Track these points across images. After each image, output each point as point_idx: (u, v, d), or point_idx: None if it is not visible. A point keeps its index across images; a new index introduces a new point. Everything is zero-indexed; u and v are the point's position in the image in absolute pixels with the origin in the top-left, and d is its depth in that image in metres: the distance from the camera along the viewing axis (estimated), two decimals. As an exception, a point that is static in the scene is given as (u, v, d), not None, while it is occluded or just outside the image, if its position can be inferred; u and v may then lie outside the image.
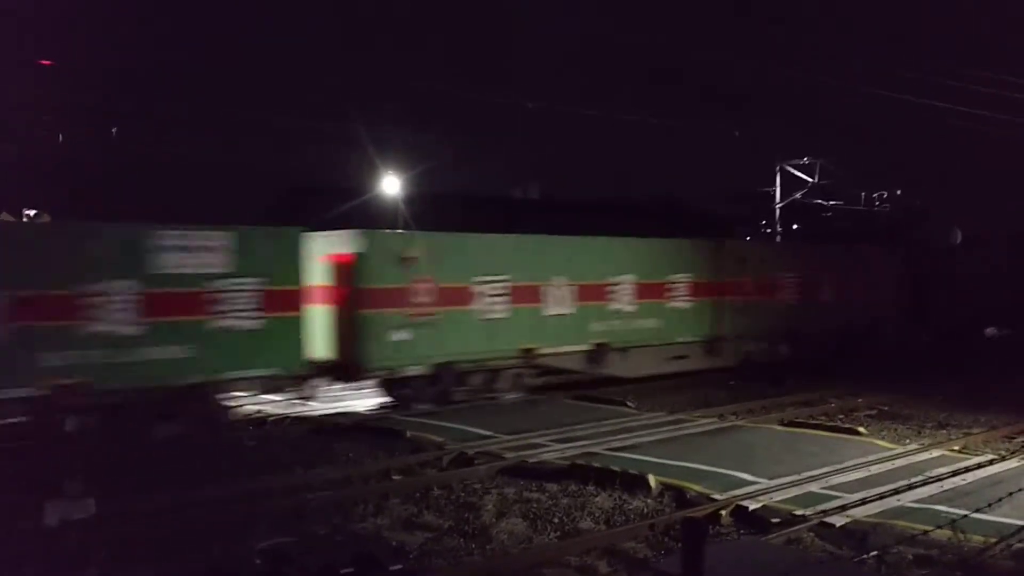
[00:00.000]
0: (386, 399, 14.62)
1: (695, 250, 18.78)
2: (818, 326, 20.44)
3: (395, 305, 13.97)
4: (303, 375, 13.25)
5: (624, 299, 17.10)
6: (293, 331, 13.00)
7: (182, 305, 11.99)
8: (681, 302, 18.10)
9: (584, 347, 16.38)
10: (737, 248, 20.28)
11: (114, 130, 24.88)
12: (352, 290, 13.87)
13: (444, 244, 14.94)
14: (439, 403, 14.34)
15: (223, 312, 12.32)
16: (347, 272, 13.96)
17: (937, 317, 23.80)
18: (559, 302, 16.10)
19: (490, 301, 15.18)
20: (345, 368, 13.95)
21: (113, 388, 10.98)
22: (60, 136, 24.35)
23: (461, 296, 14.80)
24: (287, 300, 12.95)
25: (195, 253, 12.15)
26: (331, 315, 14.09)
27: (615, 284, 16.97)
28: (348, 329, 13.90)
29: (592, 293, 16.60)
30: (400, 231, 16.00)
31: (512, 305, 15.39)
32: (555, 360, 16.01)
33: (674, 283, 18.04)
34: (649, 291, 17.52)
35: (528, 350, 15.50)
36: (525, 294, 15.57)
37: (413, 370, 14.19)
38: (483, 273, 15.08)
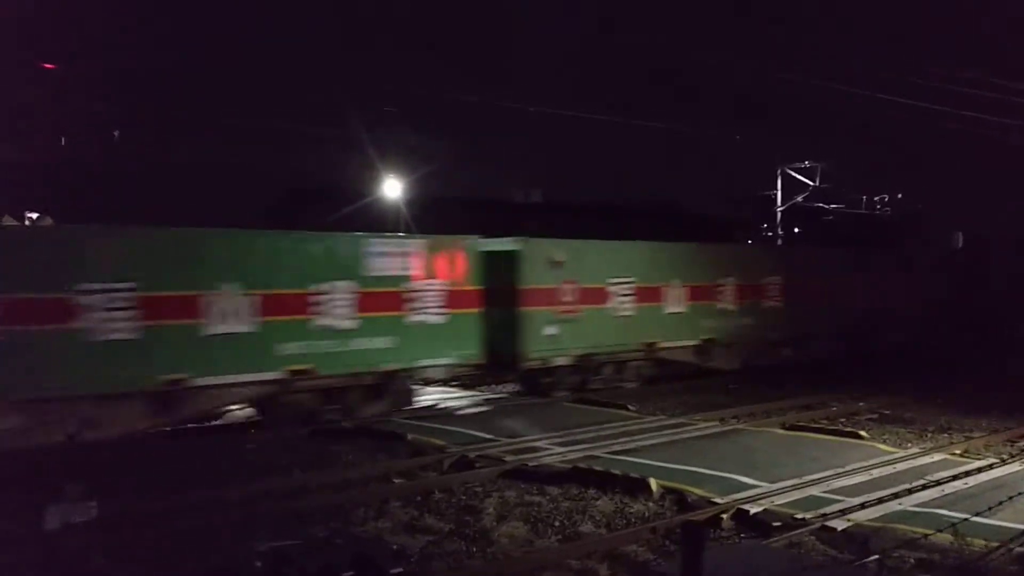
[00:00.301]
0: (516, 387, 17.13)
1: (780, 255, 22.33)
2: (879, 322, 22.63)
3: (547, 303, 16.16)
4: (479, 364, 15.38)
5: (728, 299, 19.14)
6: (472, 326, 15.13)
7: (386, 303, 14.00)
8: (772, 302, 20.13)
9: (695, 342, 18.36)
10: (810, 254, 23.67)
11: (116, 133, 24.93)
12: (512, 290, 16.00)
13: (584, 249, 17.04)
14: (576, 391, 16.35)
15: (417, 309, 14.35)
16: None
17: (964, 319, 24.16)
18: (675, 302, 18.09)
19: (620, 300, 17.24)
20: (504, 359, 16.02)
21: (332, 373, 13.27)
22: (63, 139, 24.41)
23: (598, 296, 16.94)
24: (467, 299, 15.11)
25: (396, 258, 14.15)
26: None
27: (721, 286, 19.03)
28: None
29: (702, 294, 18.69)
30: (550, 239, 16.72)
31: (637, 304, 17.42)
32: (670, 353, 17.97)
33: (768, 285, 20.13)
34: (747, 292, 19.56)
35: (650, 344, 17.55)
36: (648, 294, 17.66)
37: (560, 361, 16.29)
38: (616, 275, 17.19)
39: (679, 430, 12.64)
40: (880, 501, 8.58)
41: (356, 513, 8.62)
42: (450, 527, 8.20)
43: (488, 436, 12.09)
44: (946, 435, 12.87)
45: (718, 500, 8.65)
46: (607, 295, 17.01)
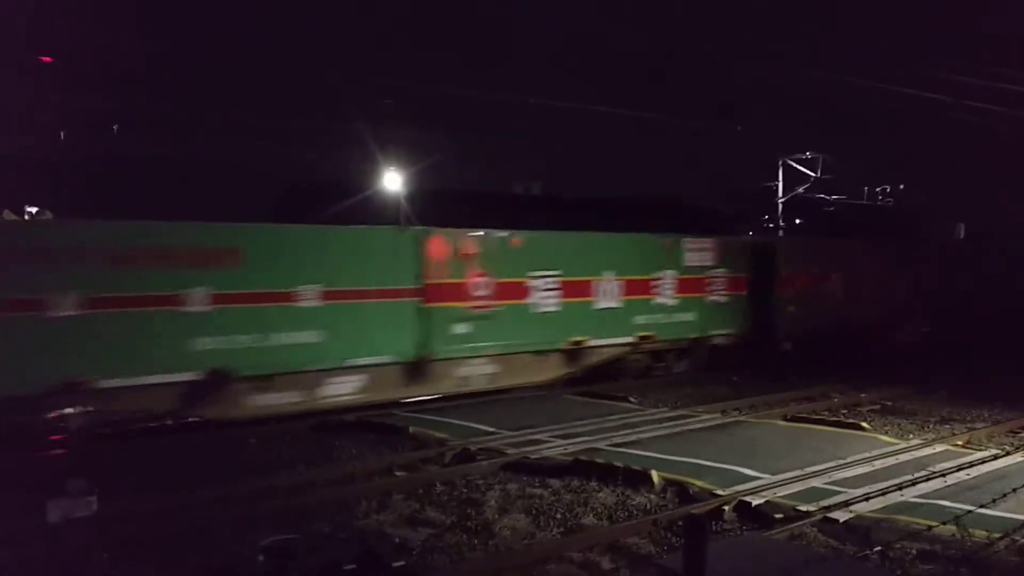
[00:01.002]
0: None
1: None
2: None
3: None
4: (741, 335, 18.87)
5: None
6: (742, 305, 18.96)
7: (694, 287, 18.01)
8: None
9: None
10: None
11: (115, 127, 24.86)
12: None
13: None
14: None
15: (712, 291, 18.34)
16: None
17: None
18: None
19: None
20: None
21: (664, 339, 17.43)
22: (62, 134, 24.36)
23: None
24: (739, 283, 18.97)
25: (699, 252, 18.23)
26: None
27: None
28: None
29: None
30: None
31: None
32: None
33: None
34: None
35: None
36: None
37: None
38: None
39: (681, 422, 12.64)
40: (882, 492, 8.59)
41: (358, 507, 8.62)
42: (452, 520, 8.20)
43: (489, 429, 12.10)
44: (948, 426, 12.86)
45: (720, 492, 8.65)
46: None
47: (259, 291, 12.50)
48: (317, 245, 13.41)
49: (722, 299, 18.63)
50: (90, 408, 11.23)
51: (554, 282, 15.92)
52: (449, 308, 14.48)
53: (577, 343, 16.11)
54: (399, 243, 14.21)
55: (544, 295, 15.81)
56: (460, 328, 14.61)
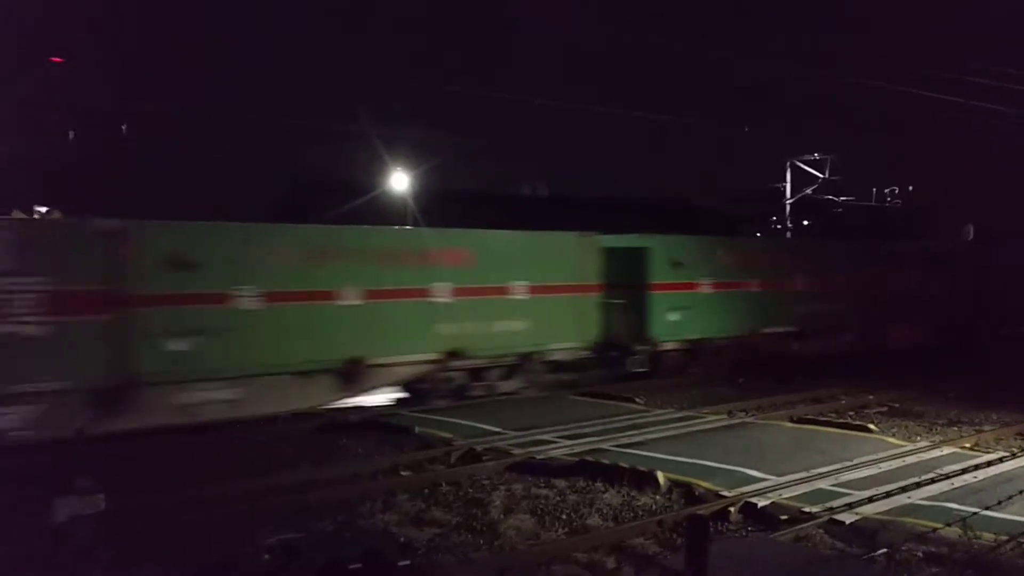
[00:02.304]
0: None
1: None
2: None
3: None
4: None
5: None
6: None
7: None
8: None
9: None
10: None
11: (123, 127, 24.99)
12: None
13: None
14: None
15: None
16: None
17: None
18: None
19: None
20: None
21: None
22: (71, 133, 24.49)
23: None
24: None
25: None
26: None
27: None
28: None
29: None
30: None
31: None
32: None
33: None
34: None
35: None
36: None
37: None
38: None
39: (687, 423, 12.62)
40: (888, 495, 8.55)
41: (364, 506, 8.64)
42: (457, 520, 8.21)
43: (495, 429, 12.10)
44: (956, 428, 12.80)
45: (726, 493, 8.64)
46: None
47: (485, 286, 14.85)
48: (525, 247, 15.65)
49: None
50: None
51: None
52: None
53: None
54: (585, 247, 16.35)
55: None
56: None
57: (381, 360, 13.68)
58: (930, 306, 22.86)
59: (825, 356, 19.64)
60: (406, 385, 14.49)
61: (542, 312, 15.42)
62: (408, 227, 14.86)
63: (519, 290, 15.21)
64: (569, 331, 15.89)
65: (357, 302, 13.42)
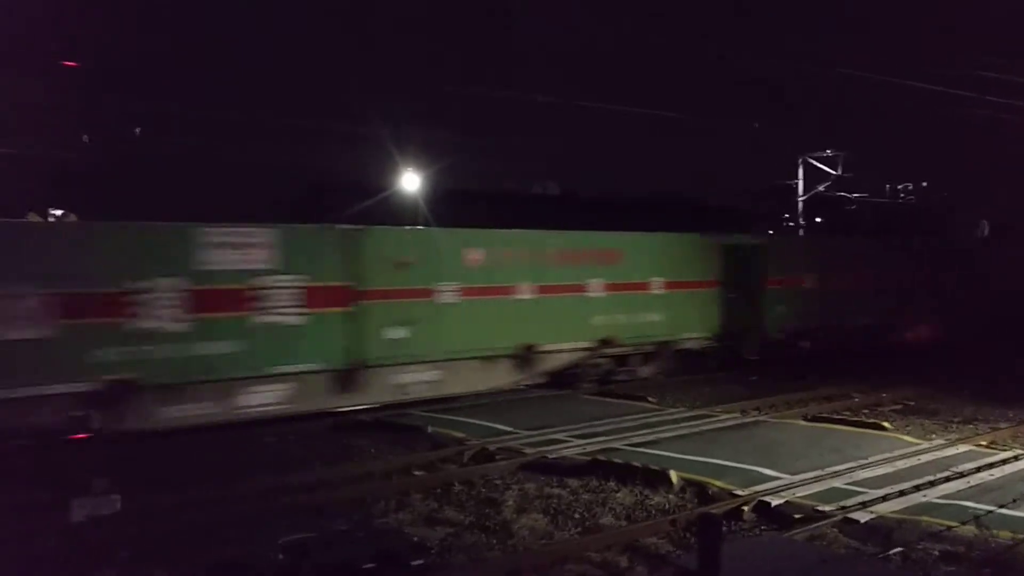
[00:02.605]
0: None
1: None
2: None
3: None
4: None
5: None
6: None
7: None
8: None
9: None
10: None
11: (137, 130, 25.14)
12: None
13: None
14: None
15: None
16: None
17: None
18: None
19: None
20: None
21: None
22: (85, 136, 24.66)
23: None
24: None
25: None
26: None
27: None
28: None
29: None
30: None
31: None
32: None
33: None
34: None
35: None
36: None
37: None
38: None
39: (700, 422, 12.59)
40: (903, 493, 8.50)
41: (377, 506, 8.67)
42: (470, 519, 8.22)
43: (508, 428, 12.11)
44: (972, 426, 12.71)
45: (739, 492, 8.61)
46: None
47: (631, 282, 16.64)
48: (662, 247, 17.56)
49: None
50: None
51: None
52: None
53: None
54: (708, 246, 18.24)
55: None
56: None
57: (549, 347, 15.56)
58: (959, 300, 23.27)
59: (911, 346, 21.24)
60: (561, 371, 16.02)
61: (675, 305, 17.34)
62: (572, 231, 16.37)
63: (657, 285, 17.11)
64: (696, 322, 17.72)
65: (530, 296, 15.42)
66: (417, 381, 14.11)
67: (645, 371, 17.09)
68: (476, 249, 14.78)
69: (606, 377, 16.40)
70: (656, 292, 17.09)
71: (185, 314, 11.82)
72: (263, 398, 12.49)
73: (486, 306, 14.80)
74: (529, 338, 15.20)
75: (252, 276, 12.43)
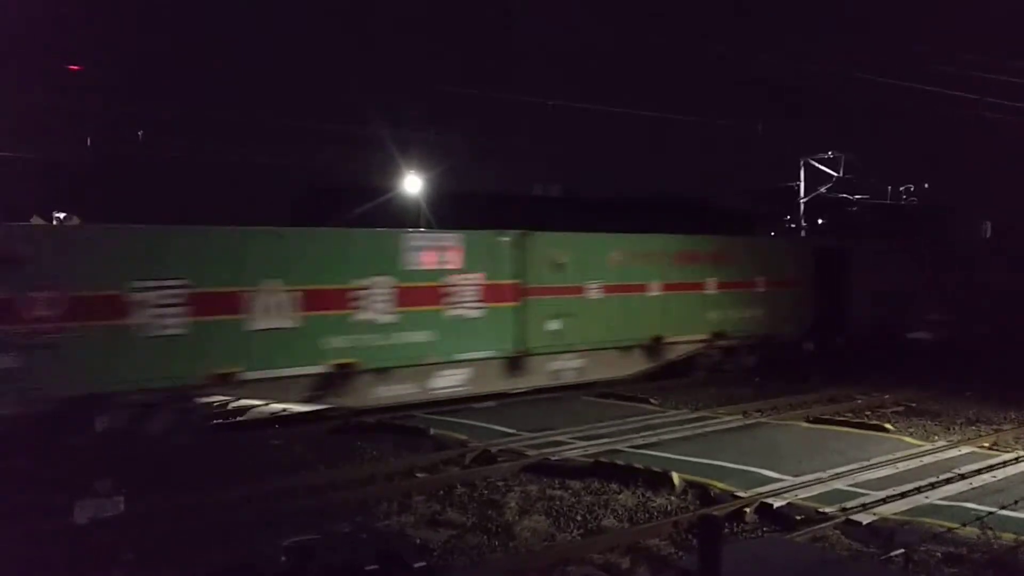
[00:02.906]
0: None
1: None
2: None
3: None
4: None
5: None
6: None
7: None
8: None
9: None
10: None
11: (140, 133, 25.20)
12: None
13: None
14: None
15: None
16: None
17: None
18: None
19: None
20: None
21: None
22: (88, 139, 24.72)
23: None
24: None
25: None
26: None
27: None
28: None
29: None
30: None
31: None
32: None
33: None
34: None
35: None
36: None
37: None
38: None
39: (702, 424, 12.60)
40: (905, 495, 8.51)
41: (379, 508, 8.68)
42: (472, 521, 8.23)
43: (510, 430, 12.13)
44: (974, 428, 12.70)
45: (741, 494, 8.62)
46: None
47: (738, 281, 18.32)
48: (765, 249, 20.08)
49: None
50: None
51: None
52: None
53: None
54: (801, 248, 21.06)
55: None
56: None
57: (673, 339, 17.12)
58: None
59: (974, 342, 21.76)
60: (681, 361, 17.51)
61: (775, 302, 18.97)
62: (692, 234, 18.13)
63: (761, 284, 18.78)
64: (791, 318, 19.33)
65: (658, 294, 17.01)
66: (567, 368, 15.82)
67: (750, 361, 18.54)
68: (617, 251, 16.49)
69: (717, 367, 17.97)
70: (760, 290, 18.79)
71: (393, 308, 13.49)
72: (449, 381, 14.35)
73: (624, 302, 16.47)
74: (657, 331, 16.89)
75: (445, 275, 14.23)
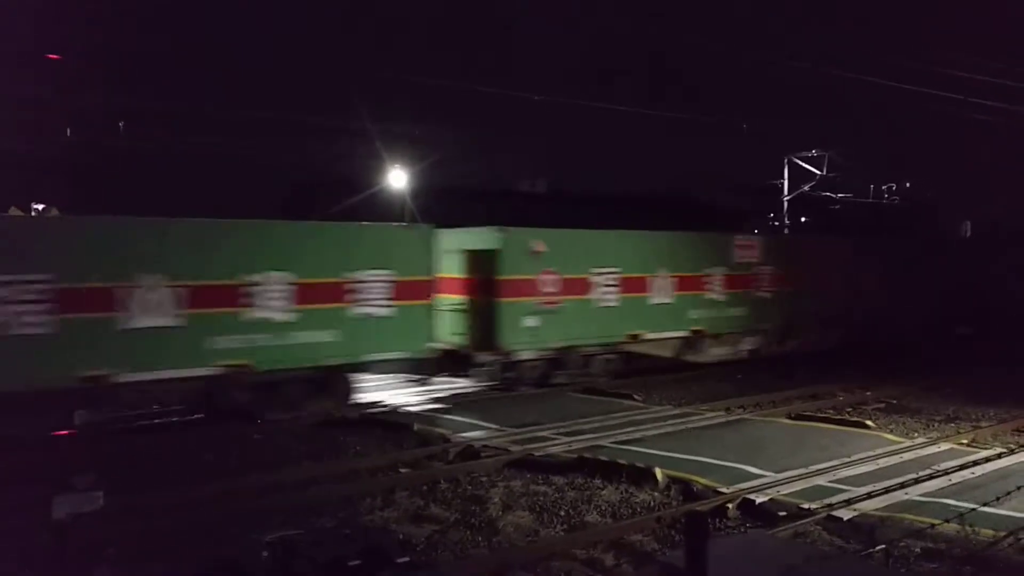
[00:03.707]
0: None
1: None
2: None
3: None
4: None
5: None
6: None
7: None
8: None
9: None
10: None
11: (121, 124, 24.92)
12: None
13: None
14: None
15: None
16: None
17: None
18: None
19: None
20: None
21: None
22: (68, 131, 24.42)
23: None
24: None
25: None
26: None
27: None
28: None
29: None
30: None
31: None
32: None
33: None
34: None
35: None
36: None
37: None
38: None
39: (685, 420, 12.64)
40: (886, 491, 8.58)
41: (363, 503, 8.65)
42: (456, 516, 8.22)
43: (493, 426, 12.11)
44: (953, 425, 12.83)
45: (724, 490, 8.65)
46: None
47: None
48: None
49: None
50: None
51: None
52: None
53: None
54: (844, 247, 22.33)
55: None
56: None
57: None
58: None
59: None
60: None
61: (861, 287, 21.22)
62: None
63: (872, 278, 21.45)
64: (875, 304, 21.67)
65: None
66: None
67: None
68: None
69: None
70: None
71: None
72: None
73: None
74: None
75: (750, 268, 18.62)
